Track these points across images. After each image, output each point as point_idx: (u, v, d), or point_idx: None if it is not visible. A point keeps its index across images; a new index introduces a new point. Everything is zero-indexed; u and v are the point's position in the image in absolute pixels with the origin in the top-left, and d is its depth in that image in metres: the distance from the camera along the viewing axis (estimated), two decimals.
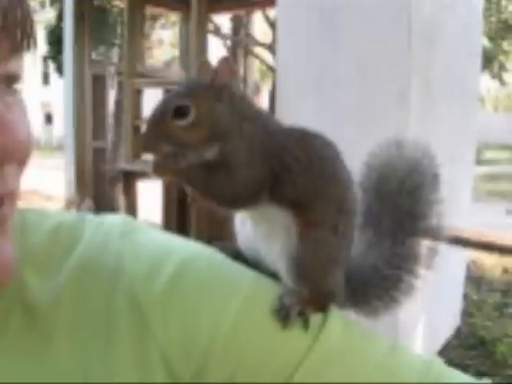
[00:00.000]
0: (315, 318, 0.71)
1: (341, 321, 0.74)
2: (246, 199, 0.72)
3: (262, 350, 0.69)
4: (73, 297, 0.70)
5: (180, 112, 0.70)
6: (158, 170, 0.72)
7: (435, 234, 0.80)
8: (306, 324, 0.70)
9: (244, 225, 0.79)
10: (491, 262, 6.84)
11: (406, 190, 0.80)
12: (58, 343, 0.67)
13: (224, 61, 0.71)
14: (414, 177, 0.80)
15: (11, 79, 0.61)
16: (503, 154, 23.47)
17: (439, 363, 0.75)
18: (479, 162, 7.90)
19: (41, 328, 0.68)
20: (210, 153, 0.71)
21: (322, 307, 0.73)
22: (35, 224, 0.76)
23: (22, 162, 0.63)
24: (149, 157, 0.73)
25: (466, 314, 5.25)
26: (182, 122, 0.70)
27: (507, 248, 2.94)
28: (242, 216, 0.78)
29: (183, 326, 0.69)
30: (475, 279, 6.28)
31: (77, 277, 0.71)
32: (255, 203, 0.73)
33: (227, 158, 0.70)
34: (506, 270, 6.77)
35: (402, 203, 0.80)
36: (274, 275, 0.75)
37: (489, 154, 21.92)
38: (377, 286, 0.80)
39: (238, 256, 0.78)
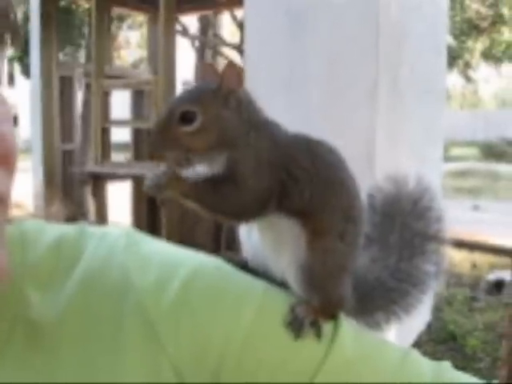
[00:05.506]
0: (327, 327, 0.71)
1: (351, 329, 0.73)
2: (254, 211, 0.71)
3: (275, 362, 0.68)
4: (78, 311, 0.68)
5: (186, 117, 0.68)
6: (170, 184, 0.69)
7: (439, 255, 0.82)
8: (318, 334, 0.70)
9: (250, 234, 0.77)
10: (460, 257, 6.94)
11: (418, 210, 0.81)
12: (63, 358, 0.66)
13: (230, 66, 0.69)
14: (424, 200, 0.81)
15: None
16: (470, 151, 23.79)
17: (448, 367, 0.75)
18: (446, 158, 8.01)
19: (44, 344, 0.66)
20: (218, 163, 0.69)
21: (332, 315, 0.72)
22: (34, 237, 0.73)
23: (5, 160, 0.60)
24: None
25: (437, 309, 5.32)
26: (189, 128, 0.68)
27: (476, 244, 2.99)
28: (248, 225, 0.77)
29: (194, 341, 0.67)
30: (444, 274, 6.34)
31: (81, 291, 0.69)
32: (263, 214, 0.71)
33: (235, 170, 0.69)
34: (474, 265, 6.87)
35: (413, 223, 0.81)
36: (281, 284, 0.74)
37: (456, 151, 22.20)
38: (382, 298, 0.80)
39: (245, 266, 0.76)
